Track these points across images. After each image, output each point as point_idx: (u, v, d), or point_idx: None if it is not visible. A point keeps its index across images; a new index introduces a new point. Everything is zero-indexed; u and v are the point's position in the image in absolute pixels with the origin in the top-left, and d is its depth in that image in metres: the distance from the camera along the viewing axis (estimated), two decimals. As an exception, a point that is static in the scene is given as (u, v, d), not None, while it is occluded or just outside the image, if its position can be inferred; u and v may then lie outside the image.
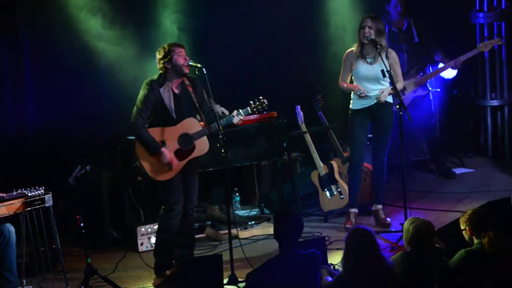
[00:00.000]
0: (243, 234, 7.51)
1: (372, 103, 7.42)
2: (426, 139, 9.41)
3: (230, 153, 6.74)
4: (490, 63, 9.88)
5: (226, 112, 7.44)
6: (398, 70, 7.41)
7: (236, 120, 6.53)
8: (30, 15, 8.12)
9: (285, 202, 8.11)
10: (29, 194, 5.92)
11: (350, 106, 7.56)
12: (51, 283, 6.43)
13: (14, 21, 8.05)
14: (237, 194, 8.37)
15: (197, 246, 7.01)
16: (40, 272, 6.46)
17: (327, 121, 8.21)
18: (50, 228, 6.07)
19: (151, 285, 6.54)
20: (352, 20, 9.15)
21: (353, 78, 7.51)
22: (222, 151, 6.24)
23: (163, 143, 6.37)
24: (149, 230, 7.32)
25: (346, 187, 7.90)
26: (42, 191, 5.99)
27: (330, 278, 5.27)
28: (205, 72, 6.30)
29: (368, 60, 7.37)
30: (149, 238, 7.33)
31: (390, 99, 7.44)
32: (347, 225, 7.60)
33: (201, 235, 7.60)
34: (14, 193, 5.94)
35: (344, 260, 5.03)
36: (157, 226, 6.69)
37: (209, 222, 7.88)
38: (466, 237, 5.27)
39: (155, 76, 6.44)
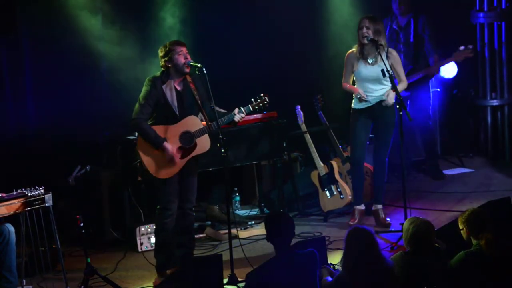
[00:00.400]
0: (243, 234, 7.51)
1: (374, 103, 7.42)
2: (423, 140, 9.41)
3: (230, 153, 6.74)
4: (490, 63, 9.87)
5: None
6: (399, 70, 7.41)
7: (237, 118, 6.52)
8: (30, 15, 8.12)
9: (285, 202, 8.12)
10: (29, 194, 5.93)
11: (352, 105, 7.56)
12: (51, 283, 6.44)
13: (14, 21, 8.05)
14: (237, 194, 8.38)
15: (197, 246, 7.02)
16: (40, 272, 6.47)
17: (327, 121, 8.21)
18: (50, 228, 6.07)
19: (151, 285, 6.54)
20: (353, 19, 9.11)
21: (355, 79, 7.51)
22: (222, 151, 6.24)
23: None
24: (149, 230, 7.33)
25: (346, 187, 7.91)
26: (42, 191, 5.99)
27: (330, 278, 5.27)
28: (205, 72, 6.31)
29: (369, 60, 7.37)
30: (149, 238, 7.33)
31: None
32: (350, 222, 7.66)
33: (201, 235, 7.60)
34: (14, 193, 5.94)
35: (344, 260, 5.03)
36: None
37: (209, 222, 7.89)
38: (464, 236, 5.28)
39: (158, 73, 6.46)
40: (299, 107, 8.08)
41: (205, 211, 7.91)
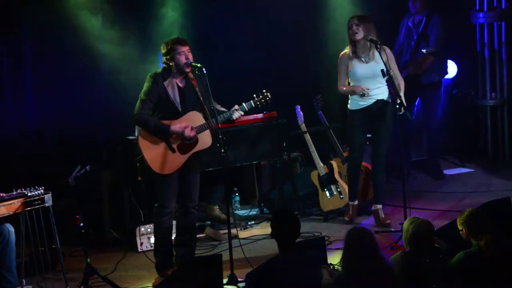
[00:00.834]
0: (243, 234, 7.51)
1: (371, 103, 7.43)
2: (428, 140, 9.39)
3: (230, 153, 6.73)
4: (490, 63, 9.87)
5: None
6: (393, 66, 7.39)
7: (235, 115, 6.51)
8: (30, 15, 8.12)
9: (285, 202, 8.12)
10: (29, 194, 5.93)
11: (348, 106, 7.57)
12: (50, 283, 6.43)
13: (14, 21, 8.05)
14: (237, 194, 8.38)
15: (197, 246, 7.00)
16: (40, 272, 6.47)
17: (327, 121, 8.21)
18: (50, 228, 6.07)
19: (151, 285, 6.54)
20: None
21: (349, 80, 7.51)
22: (222, 151, 6.24)
23: (167, 137, 6.36)
24: (149, 230, 7.32)
25: (346, 187, 7.91)
26: (42, 191, 5.99)
27: (330, 278, 5.26)
28: (205, 72, 6.31)
29: (363, 59, 7.39)
30: (149, 238, 7.33)
31: (386, 96, 7.44)
32: (345, 218, 7.79)
33: (201, 235, 7.60)
34: (14, 193, 5.94)
35: (344, 260, 5.02)
36: (155, 225, 6.70)
37: (209, 222, 7.89)
38: (463, 237, 5.28)
39: (159, 70, 6.47)
40: (299, 107, 8.08)
41: (205, 211, 7.91)
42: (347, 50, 7.48)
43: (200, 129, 6.42)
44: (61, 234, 6.46)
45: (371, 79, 7.39)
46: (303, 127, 8.05)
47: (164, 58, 6.43)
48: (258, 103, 6.61)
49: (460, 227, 5.29)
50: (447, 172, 9.44)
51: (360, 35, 7.32)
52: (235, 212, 8.15)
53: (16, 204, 5.87)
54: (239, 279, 6.22)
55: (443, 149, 9.76)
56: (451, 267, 5.13)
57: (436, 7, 9.04)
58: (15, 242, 6.02)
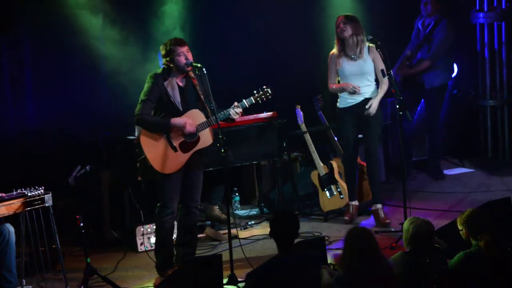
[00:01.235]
0: (243, 234, 7.51)
1: (359, 101, 7.48)
2: (430, 140, 9.38)
3: (230, 153, 6.73)
4: (490, 63, 9.87)
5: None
6: (381, 67, 7.41)
7: (232, 112, 6.47)
8: (30, 15, 8.12)
9: (285, 202, 8.12)
10: (29, 194, 5.93)
11: (338, 104, 7.62)
12: (50, 283, 6.43)
13: (14, 21, 8.05)
14: (237, 194, 8.38)
15: (197, 246, 7.00)
16: (40, 272, 6.45)
17: (327, 121, 8.21)
18: (50, 228, 6.07)
19: (151, 285, 6.54)
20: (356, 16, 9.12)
21: (339, 78, 7.56)
22: (222, 151, 6.23)
23: (168, 136, 6.36)
24: (149, 230, 7.32)
25: (346, 186, 7.91)
26: (42, 191, 5.99)
27: (330, 278, 5.26)
28: (205, 72, 6.31)
29: (352, 56, 7.43)
30: (149, 238, 7.33)
31: (374, 94, 7.47)
32: (346, 218, 7.79)
33: (201, 235, 7.59)
34: (14, 193, 5.94)
35: (343, 260, 5.02)
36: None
37: (209, 222, 7.89)
38: (463, 237, 5.28)
39: (159, 70, 6.47)
40: (299, 107, 8.08)
41: (205, 211, 7.91)
42: (334, 49, 7.56)
43: (201, 127, 6.42)
44: (61, 234, 6.46)
45: (359, 77, 7.46)
46: (303, 127, 8.05)
47: (164, 60, 6.43)
48: (258, 99, 6.58)
49: (460, 227, 5.29)
50: (447, 172, 9.44)
51: (348, 32, 7.40)
52: (235, 212, 8.15)
53: (16, 204, 5.87)
54: (239, 279, 6.22)
55: (443, 149, 9.76)
56: (451, 266, 5.13)
57: (447, 12, 9.03)
58: (15, 242, 6.02)
